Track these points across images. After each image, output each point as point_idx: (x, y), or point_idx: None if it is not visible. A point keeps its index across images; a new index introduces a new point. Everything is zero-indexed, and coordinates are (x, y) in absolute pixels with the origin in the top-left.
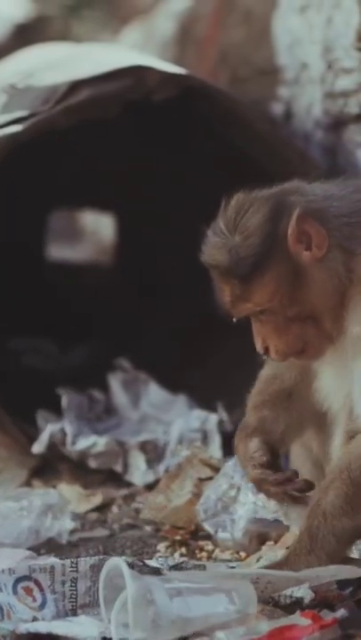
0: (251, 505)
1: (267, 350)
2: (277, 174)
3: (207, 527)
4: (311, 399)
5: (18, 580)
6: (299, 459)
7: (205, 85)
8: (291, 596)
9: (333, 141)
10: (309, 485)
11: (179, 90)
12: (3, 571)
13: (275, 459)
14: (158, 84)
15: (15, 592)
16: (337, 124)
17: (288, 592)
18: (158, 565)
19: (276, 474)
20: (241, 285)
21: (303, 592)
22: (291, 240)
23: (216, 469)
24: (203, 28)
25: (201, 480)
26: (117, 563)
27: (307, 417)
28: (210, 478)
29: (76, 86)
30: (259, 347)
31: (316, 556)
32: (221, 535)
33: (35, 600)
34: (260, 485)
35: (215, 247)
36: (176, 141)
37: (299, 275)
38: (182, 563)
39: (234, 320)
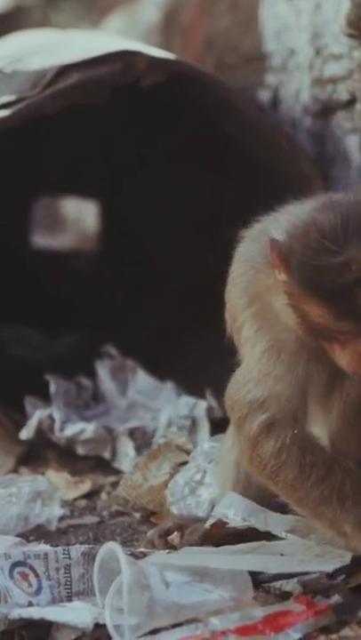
0: (214, 486)
1: None
2: (267, 161)
3: (174, 510)
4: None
5: (14, 565)
6: None
7: (195, 71)
8: (280, 589)
9: (322, 128)
10: None
11: (168, 75)
12: None
13: None
14: (147, 68)
15: (12, 576)
16: (325, 110)
17: (277, 584)
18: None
19: None
20: None
21: (292, 586)
22: None
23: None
24: (188, 16)
25: (178, 465)
26: (112, 547)
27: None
28: (185, 463)
29: (64, 70)
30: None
31: None
32: None
33: (30, 585)
34: None
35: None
36: (163, 128)
37: None
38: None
39: None
